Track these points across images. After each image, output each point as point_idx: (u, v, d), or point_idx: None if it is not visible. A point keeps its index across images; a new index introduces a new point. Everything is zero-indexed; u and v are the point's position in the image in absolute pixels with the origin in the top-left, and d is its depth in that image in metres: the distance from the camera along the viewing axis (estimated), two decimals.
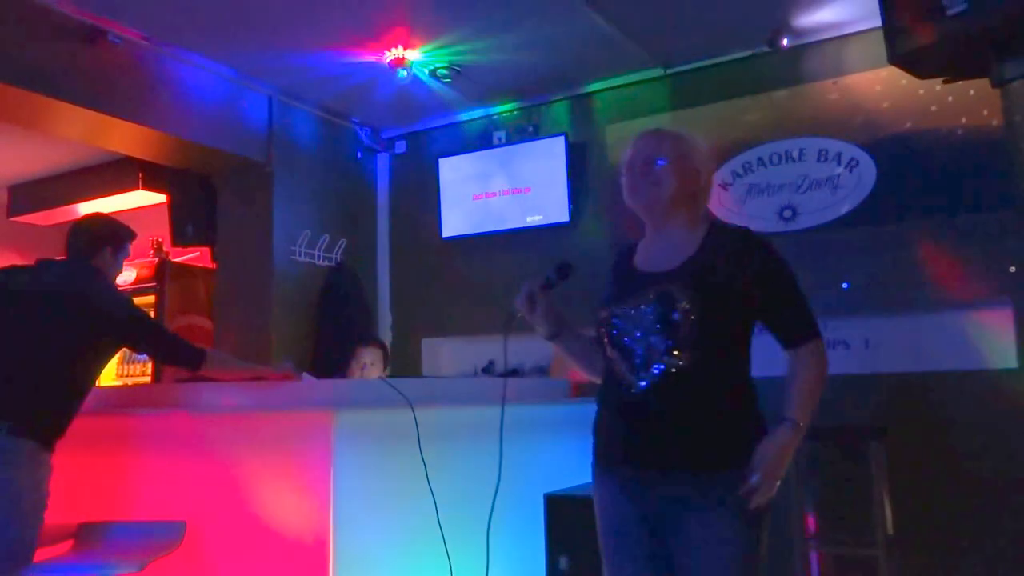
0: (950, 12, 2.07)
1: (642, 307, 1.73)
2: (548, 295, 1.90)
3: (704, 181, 1.85)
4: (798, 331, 1.74)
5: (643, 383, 1.71)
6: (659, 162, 1.80)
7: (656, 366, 1.69)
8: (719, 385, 1.71)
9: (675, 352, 1.68)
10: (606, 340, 1.81)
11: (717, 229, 1.83)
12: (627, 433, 1.76)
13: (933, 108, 3.69)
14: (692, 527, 1.67)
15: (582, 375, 1.99)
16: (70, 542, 2.58)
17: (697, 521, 1.66)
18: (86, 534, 2.59)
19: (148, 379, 5.42)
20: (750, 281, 1.71)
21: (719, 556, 1.65)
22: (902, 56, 2.30)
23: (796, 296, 1.75)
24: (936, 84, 3.33)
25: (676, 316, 1.68)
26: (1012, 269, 3.47)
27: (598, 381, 1.90)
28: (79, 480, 2.71)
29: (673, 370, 1.68)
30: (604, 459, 1.84)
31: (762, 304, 1.73)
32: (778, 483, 1.66)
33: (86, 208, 6.29)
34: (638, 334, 1.72)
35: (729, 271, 1.71)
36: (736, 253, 1.74)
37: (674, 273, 1.74)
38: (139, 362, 5.68)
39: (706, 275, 1.71)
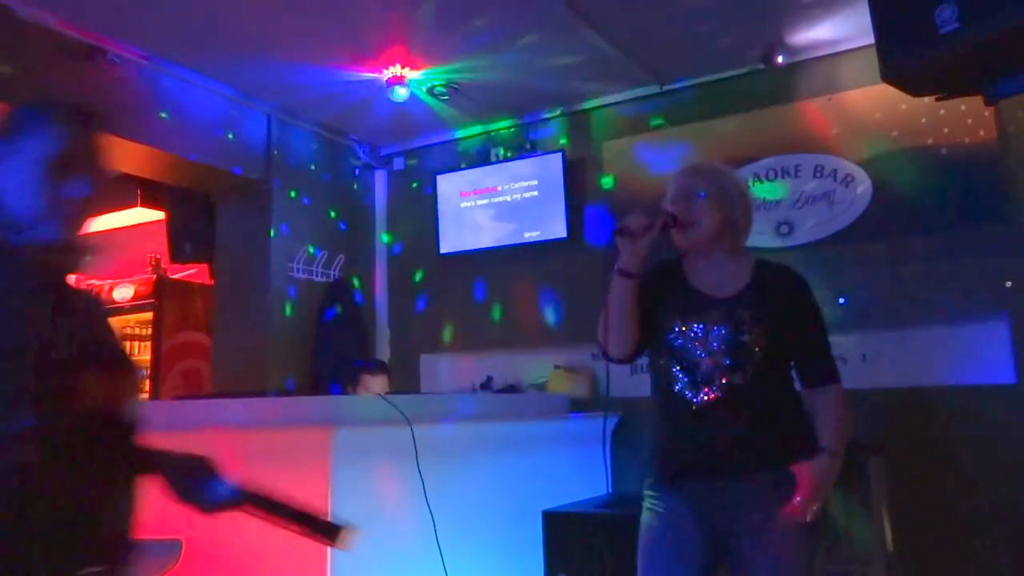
0: (943, 31, 2.09)
1: (710, 327, 1.85)
2: (654, 235, 1.88)
3: (743, 210, 1.97)
4: (824, 374, 1.91)
5: (706, 396, 1.83)
6: (700, 195, 1.92)
7: (717, 382, 1.82)
8: (773, 399, 1.86)
9: (737, 371, 1.82)
10: (668, 351, 1.89)
11: (762, 263, 1.97)
12: (690, 446, 1.87)
13: (927, 124, 3.72)
14: (751, 540, 1.80)
15: (609, 330, 1.90)
16: None
17: (756, 536, 1.79)
18: None
19: (145, 396, 5.41)
20: (794, 317, 1.88)
21: (779, 568, 1.78)
22: (895, 74, 2.31)
23: (826, 340, 1.92)
24: (930, 101, 3.35)
25: (744, 338, 1.82)
26: (1008, 284, 3.48)
27: (615, 352, 1.91)
28: None
29: (733, 386, 1.82)
30: (666, 473, 1.92)
31: (796, 341, 1.89)
32: (818, 504, 1.79)
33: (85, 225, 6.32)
34: (703, 353, 1.85)
35: (784, 304, 1.88)
36: (788, 290, 1.91)
37: (738, 299, 1.87)
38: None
39: (767, 304, 1.86)
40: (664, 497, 1.90)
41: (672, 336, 1.88)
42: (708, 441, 1.83)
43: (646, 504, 1.93)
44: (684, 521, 1.85)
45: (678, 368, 1.87)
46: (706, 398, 1.83)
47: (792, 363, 1.92)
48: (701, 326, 1.85)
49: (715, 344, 1.83)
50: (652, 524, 1.90)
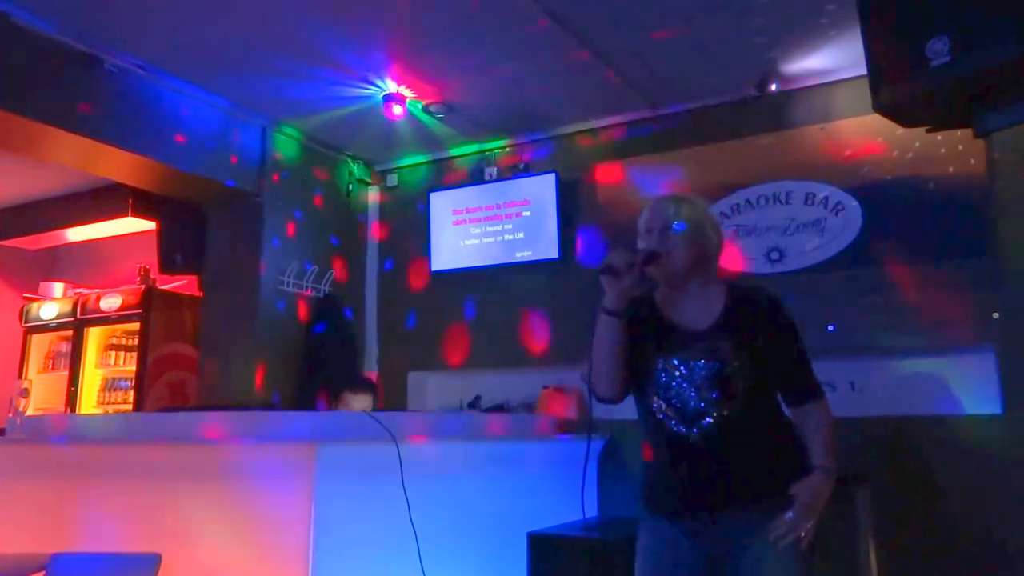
0: (934, 63, 2.11)
1: (692, 362, 1.84)
2: (639, 271, 1.88)
3: (716, 243, 1.97)
4: (808, 392, 1.90)
5: (696, 431, 1.82)
6: (676, 227, 1.92)
7: (708, 415, 1.82)
8: (764, 428, 1.86)
9: (726, 403, 1.81)
10: (653, 389, 1.89)
11: (733, 288, 1.96)
12: (684, 481, 1.86)
13: (919, 155, 3.75)
14: (749, 567, 1.79)
15: (598, 370, 1.90)
16: (41, 574, 2.52)
17: (754, 561, 1.78)
18: (59, 565, 2.53)
19: (130, 407, 5.36)
20: (771, 338, 1.87)
21: None
22: (887, 104, 2.34)
23: (805, 356, 1.91)
24: (921, 132, 3.38)
25: (728, 371, 1.81)
26: (995, 315, 3.50)
27: (605, 392, 1.92)
28: (53, 510, 2.67)
29: (722, 419, 1.81)
30: (660, 509, 1.91)
31: (776, 362, 1.87)
32: (812, 522, 1.79)
33: (75, 233, 6.29)
34: (690, 389, 1.84)
35: (760, 326, 1.87)
36: (761, 311, 1.89)
37: (715, 330, 1.87)
38: (121, 390, 5.63)
39: (743, 330, 1.86)
40: (661, 525, 1.90)
41: (657, 374, 1.88)
42: (705, 477, 1.83)
43: (643, 531, 1.93)
44: (682, 546, 1.85)
45: (667, 406, 1.87)
46: (698, 433, 1.82)
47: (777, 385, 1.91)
48: (684, 362, 1.85)
49: (700, 379, 1.83)
50: (650, 548, 1.89)
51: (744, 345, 1.83)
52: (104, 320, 5.71)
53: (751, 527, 1.79)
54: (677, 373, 1.85)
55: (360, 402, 3.73)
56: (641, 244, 1.95)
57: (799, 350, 1.90)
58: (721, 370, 1.82)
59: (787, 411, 1.92)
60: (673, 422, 1.85)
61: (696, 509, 1.84)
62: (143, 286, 5.64)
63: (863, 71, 2.41)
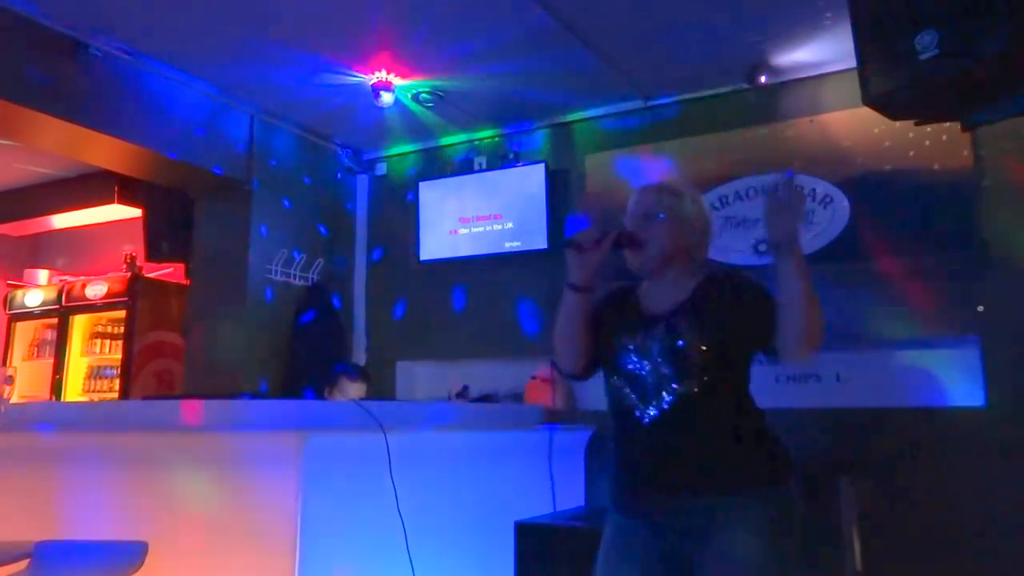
0: (922, 57, 2.12)
1: (649, 342, 1.83)
2: (608, 250, 1.90)
3: (699, 235, 1.96)
4: None
5: (654, 412, 1.80)
6: (659, 216, 1.92)
7: (666, 395, 1.79)
8: (726, 408, 1.82)
9: (683, 381, 1.78)
10: (614, 368, 1.88)
11: (710, 276, 1.94)
12: (644, 462, 1.83)
13: (907, 148, 3.76)
14: (713, 556, 1.73)
15: (562, 343, 1.95)
16: (26, 561, 2.51)
17: (717, 549, 1.72)
18: (43, 554, 2.52)
19: (116, 395, 5.34)
20: (745, 311, 1.83)
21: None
22: (876, 98, 2.34)
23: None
24: (910, 125, 3.40)
25: (681, 344, 1.79)
26: (980, 308, 3.53)
27: (566, 366, 1.96)
28: (39, 497, 2.65)
29: (682, 398, 1.78)
30: (623, 494, 1.89)
31: (756, 329, 1.82)
32: (789, 230, 1.83)
33: (60, 220, 6.24)
34: (648, 365, 1.82)
35: (725, 303, 1.84)
36: (733, 289, 1.88)
37: (677, 310, 1.86)
38: (106, 378, 5.59)
39: (705, 308, 1.84)
40: (623, 519, 1.87)
41: (618, 354, 1.87)
42: (662, 457, 1.80)
43: (607, 523, 1.91)
44: (643, 541, 1.81)
45: (627, 385, 1.85)
46: (655, 413, 1.80)
47: (760, 356, 1.86)
48: (644, 340, 1.84)
49: (656, 355, 1.81)
50: (612, 539, 1.88)
51: (706, 323, 1.80)
52: (89, 308, 5.67)
53: (713, 526, 1.73)
54: (635, 350, 1.84)
55: (356, 390, 3.78)
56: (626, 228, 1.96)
57: (772, 309, 1.81)
58: (678, 346, 1.79)
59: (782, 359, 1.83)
60: (633, 398, 1.84)
61: (651, 493, 1.81)
62: (129, 274, 5.60)
63: (853, 64, 2.41)
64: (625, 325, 1.90)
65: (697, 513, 1.75)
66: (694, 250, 1.96)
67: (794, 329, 1.77)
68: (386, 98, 4.17)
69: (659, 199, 1.95)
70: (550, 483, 3.12)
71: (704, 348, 1.78)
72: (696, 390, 1.77)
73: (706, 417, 1.78)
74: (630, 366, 1.84)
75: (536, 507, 3.23)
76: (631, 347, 1.85)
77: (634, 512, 1.85)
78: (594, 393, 2.40)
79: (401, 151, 5.16)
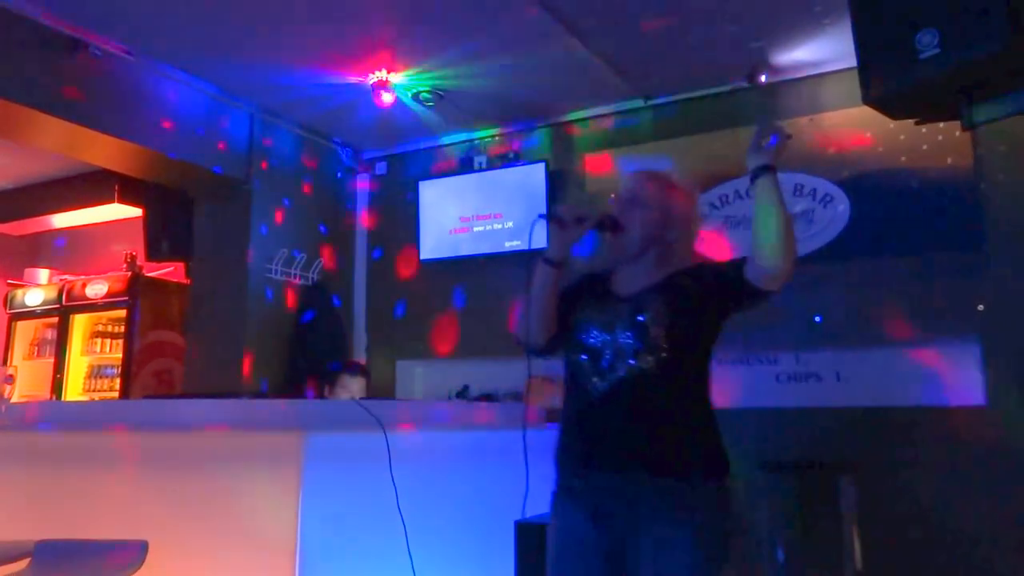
0: (923, 55, 2.12)
1: (612, 318, 1.83)
2: (586, 229, 1.91)
3: (682, 230, 1.93)
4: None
5: (606, 385, 1.79)
6: (642, 206, 1.91)
7: (620, 370, 1.78)
8: (680, 391, 1.78)
9: (640, 356, 1.77)
10: (576, 342, 1.88)
11: (683, 269, 1.90)
12: (588, 437, 1.82)
13: (906, 148, 3.77)
14: (652, 548, 1.70)
15: (530, 315, 1.98)
16: (27, 560, 2.51)
17: (656, 542, 1.69)
18: (44, 553, 2.52)
19: (116, 394, 5.34)
20: (704, 282, 1.82)
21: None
22: (876, 97, 2.35)
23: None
24: (910, 124, 3.40)
25: (641, 319, 1.79)
26: (980, 307, 3.53)
27: (531, 337, 1.98)
28: (39, 497, 2.65)
29: (635, 374, 1.76)
30: (564, 469, 1.88)
31: (722, 279, 1.81)
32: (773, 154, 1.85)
33: (60, 220, 6.24)
34: (608, 338, 1.82)
35: (691, 288, 1.82)
36: (700, 271, 1.86)
37: (646, 290, 1.86)
38: (106, 377, 5.60)
39: (672, 291, 1.83)
40: (568, 508, 1.85)
41: (580, 327, 1.88)
42: (608, 425, 1.77)
43: (555, 511, 1.89)
44: (588, 532, 1.78)
45: (586, 358, 1.84)
46: (606, 386, 1.78)
47: (735, 304, 1.83)
48: (607, 316, 1.84)
49: (618, 329, 1.81)
50: (560, 529, 1.86)
51: (670, 302, 1.80)
52: (90, 307, 5.67)
53: (654, 512, 1.71)
54: (598, 324, 1.84)
55: (357, 385, 3.79)
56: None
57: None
58: (638, 320, 1.79)
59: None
60: (587, 369, 1.83)
61: (601, 466, 1.77)
62: (129, 273, 5.60)
63: (853, 63, 2.41)
64: (592, 303, 1.91)
65: (641, 497, 1.72)
66: (675, 243, 1.92)
67: (770, 239, 1.74)
68: (386, 97, 4.17)
69: (645, 186, 1.95)
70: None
71: (664, 326, 1.77)
72: (650, 367, 1.75)
73: (657, 395, 1.75)
74: (591, 340, 1.84)
75: (536, 507, 3.23)
76: (595, 321, 1.86)
77: (578, 492, 1.82)
78: None
79: (401, 150, 5.16)
